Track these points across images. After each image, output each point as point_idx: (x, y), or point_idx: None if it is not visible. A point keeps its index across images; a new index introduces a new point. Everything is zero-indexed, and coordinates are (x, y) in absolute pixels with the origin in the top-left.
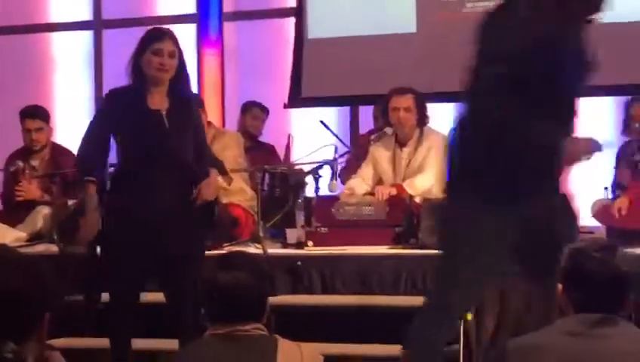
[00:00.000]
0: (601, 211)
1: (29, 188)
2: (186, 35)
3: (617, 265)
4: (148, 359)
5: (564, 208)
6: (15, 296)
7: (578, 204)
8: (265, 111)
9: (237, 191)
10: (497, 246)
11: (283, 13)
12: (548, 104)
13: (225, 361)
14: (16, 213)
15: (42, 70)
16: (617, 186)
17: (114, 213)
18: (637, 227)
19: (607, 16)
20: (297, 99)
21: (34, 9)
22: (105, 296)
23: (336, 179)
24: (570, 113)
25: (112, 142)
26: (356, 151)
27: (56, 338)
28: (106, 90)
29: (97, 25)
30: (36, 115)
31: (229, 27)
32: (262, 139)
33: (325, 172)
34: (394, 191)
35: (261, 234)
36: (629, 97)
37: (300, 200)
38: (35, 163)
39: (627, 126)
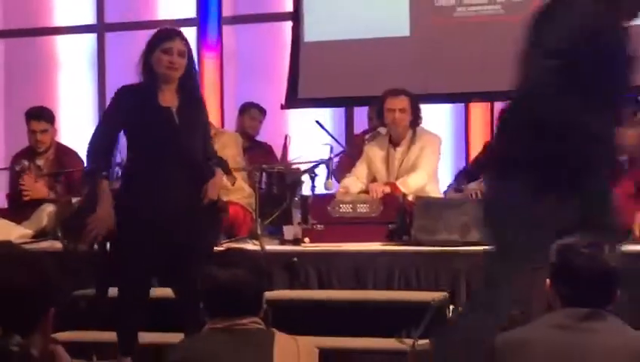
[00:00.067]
0: None
1: (36, 188)
2: None
3: (606, 260)
4: (153, 352)
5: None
6: (20, 291)
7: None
8: (262, 112)
9: (236, 190)
10: (548, 240)
11: (280, 17)
12: (602, 97)
13: (223, 354)
14: (22, 210)
15: (47, 71)
16: None
17: (124, 210)
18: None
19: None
20: (294, 100)
21: (39, 13)
22: (112, 291)
23: (331, 178)
24: (622, 107)
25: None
26: (351, 151)
27: (62, 331)
28: (108, 91)
29: (100, 28)
30: (41, 116)
31: (228, 31)
32: (259, 139)
33: (321, 171)
34: (388, 189)
35: (259, 231)
36: None
37: (296, 199)
38: (40, 162)
39: None
